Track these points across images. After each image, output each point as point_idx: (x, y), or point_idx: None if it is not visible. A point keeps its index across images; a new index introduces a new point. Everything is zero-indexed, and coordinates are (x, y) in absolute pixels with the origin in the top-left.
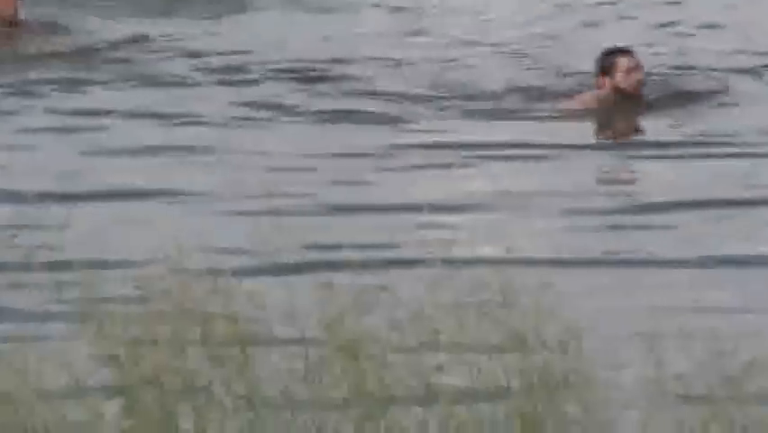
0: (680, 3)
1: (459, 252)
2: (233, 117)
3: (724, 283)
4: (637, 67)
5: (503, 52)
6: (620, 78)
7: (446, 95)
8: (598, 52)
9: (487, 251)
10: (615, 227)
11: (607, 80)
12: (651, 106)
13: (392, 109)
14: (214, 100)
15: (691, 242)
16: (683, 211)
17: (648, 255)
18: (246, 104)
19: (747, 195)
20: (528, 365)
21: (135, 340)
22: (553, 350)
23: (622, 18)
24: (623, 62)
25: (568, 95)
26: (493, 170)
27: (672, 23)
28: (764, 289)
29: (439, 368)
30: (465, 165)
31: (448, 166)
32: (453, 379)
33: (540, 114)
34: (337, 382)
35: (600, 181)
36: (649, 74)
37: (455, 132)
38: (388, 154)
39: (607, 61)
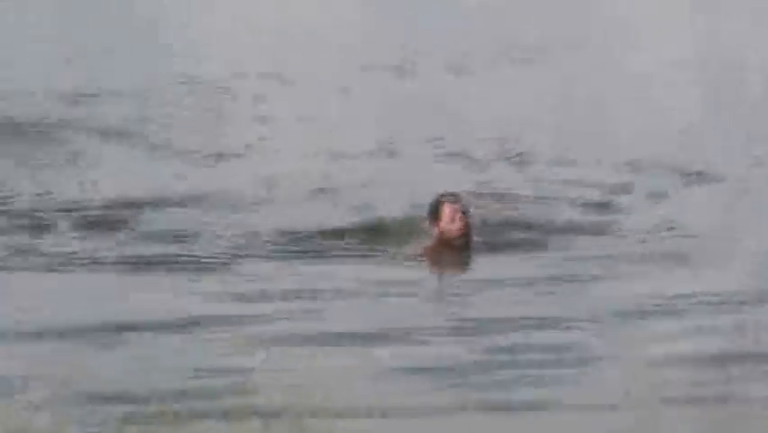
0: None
1: None
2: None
3: None
4: (462, 213)
5: (333, 190)
6: (444, 226)
7: (270, 238)
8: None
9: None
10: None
11: (436, 226)
12: (482, 249)
13: (209, 253)
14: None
15: None
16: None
17: None
18: (43, 253)
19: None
20: None
21: None
22: None
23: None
24: (447, 210)
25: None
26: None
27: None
28: None
29: None
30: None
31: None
32: None
33: (379, 256)
34: None
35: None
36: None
37: (278, 276)
38: (208, 299)
39: (434, 208)
